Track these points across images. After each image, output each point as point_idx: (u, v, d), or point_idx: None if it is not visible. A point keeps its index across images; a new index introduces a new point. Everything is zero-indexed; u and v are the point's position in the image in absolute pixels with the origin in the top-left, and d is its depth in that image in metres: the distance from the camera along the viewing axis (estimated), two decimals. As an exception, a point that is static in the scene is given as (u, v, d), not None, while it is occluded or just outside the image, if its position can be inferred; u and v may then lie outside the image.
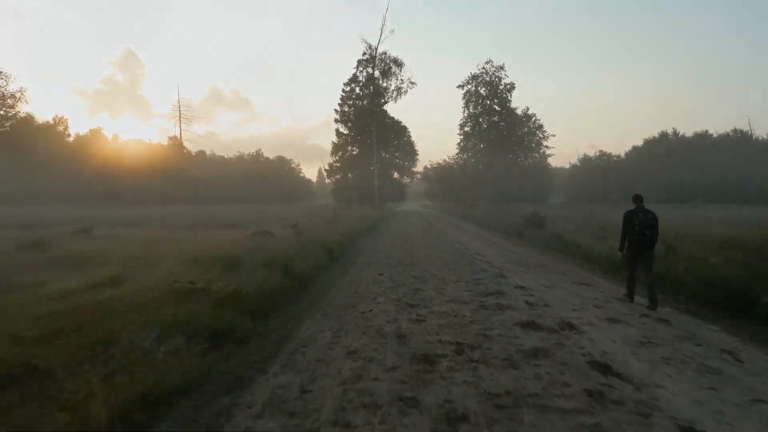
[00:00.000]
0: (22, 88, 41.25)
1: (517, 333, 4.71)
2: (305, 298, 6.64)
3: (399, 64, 43.42)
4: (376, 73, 43.30)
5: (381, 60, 43.05)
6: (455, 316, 5.40)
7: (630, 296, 6.41)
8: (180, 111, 51.24)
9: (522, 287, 7.10)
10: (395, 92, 44.28)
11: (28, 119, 42.71)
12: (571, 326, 4.93)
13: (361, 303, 6.20)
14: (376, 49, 42.76)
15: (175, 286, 5.99)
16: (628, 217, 6.23)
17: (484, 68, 49.83)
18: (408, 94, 46.91)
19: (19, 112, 41.64)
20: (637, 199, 6.36)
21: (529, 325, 4.95)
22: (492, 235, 17.76)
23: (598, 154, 58.57)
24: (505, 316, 5.39)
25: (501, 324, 5.05)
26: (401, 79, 43.90)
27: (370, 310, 5.77)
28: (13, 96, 40.70)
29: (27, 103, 41.88)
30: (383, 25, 46.01)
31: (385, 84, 43.91)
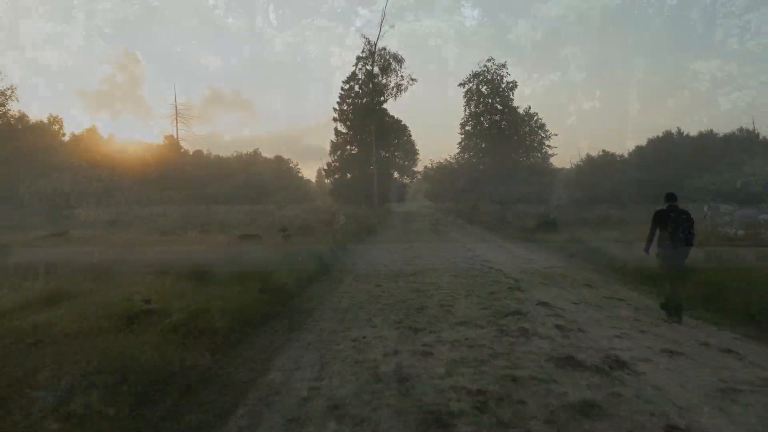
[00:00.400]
0: (12, 85, 39.73)
1: (553, 374, 3.61)
2: (285, 320, 5.50)
3: (399, 60, 42.08)
4: (375, 70, 41.94)
5: (380, 56, 41.69)
6: (470, 347, 4.31)
7: (678, 316, 5.34)
8: (176, 110, 49.94)
9: (545, 304, 6.01)
10: (395, 89, 42.89)
11: (21, 118, 41.49)
12: (621, 363, 3.82)
13: (353, 327, 5.10)
14: (375, 44, 41.38)
15: (126, 306, 4.91)
16: (660, 216, 5.50)
17: (485, 66, 48.54)
18: (408, 91, 45.45)
19: (9, 110, 40.33)
20: (670, 197, 5.59)
21: (568, 362, 3.85)
22: (499, 238, 16.66)
23: (601, 153, 57.34)
24: (532, 347, 4.30)
25: (530, 359, 3.96)
26: (401, 76, 42.47)
27: (364, 337, 4.68)
28: (3, 94, 39.42)
29: (17, 101, 40.34)
30: (382, 19, 44.36)
31: (384, 81, 42.54)
